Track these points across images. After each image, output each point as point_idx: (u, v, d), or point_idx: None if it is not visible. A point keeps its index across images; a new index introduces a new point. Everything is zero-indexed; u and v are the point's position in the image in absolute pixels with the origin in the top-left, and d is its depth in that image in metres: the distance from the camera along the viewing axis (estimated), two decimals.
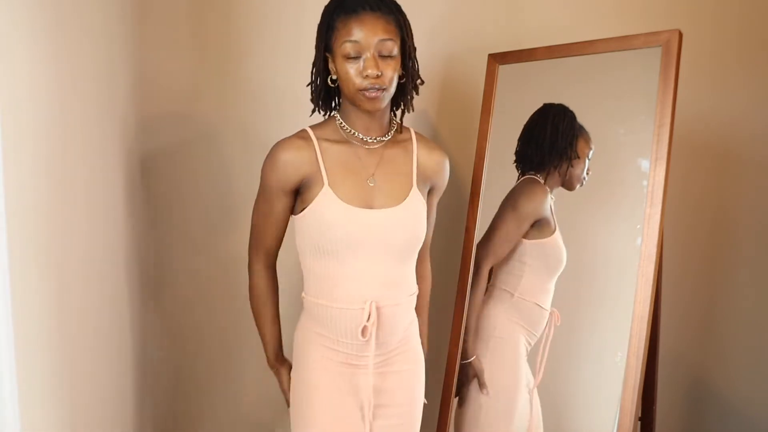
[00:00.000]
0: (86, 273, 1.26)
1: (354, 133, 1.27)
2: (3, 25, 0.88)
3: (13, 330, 0.89)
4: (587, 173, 1.56)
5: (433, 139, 1.91)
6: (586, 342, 1.62)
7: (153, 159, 1.71)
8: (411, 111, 1.31)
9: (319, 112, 1.31)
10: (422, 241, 1.31)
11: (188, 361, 1.83)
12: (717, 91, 1.91)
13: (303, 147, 1.24)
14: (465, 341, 1.64)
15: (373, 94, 1.18)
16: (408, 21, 1.23)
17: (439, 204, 1.45)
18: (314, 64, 1.26)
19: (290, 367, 1.38)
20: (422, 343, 1.40)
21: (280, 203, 1.27)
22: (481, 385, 1.63)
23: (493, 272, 1.67)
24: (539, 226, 1.58)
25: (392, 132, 1.30)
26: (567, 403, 1.64)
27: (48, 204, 1.04)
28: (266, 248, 1.34)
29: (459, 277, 1.67)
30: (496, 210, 1.64)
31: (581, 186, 1.57)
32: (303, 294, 1.32)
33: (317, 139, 1.25)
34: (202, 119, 1.74)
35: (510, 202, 1.61)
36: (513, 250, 1.62)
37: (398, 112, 1.32)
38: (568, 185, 1.58)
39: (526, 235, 1.59)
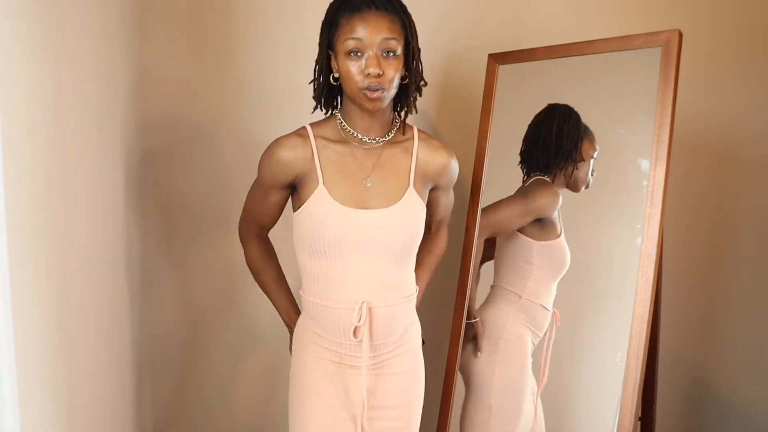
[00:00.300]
0: (86, 273, 1.26)
1: (353, 133, 1.26)
2: (3, 26, 0.88)
3: (13, 330, 0.89)
4: (592, 174, 1.56)
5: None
6: (586, 342, 1.62)
7: (153, 159, 1.71)
8: (414, 112, 1.31)
9: (321, 110, 1.31)
10: (419, 242, 1.31)
11: (187, 361, 1.83)
12: (717, 91, 1.91)
13: (299, 145, 1.24)
14: (469, 304, 1.64)
15: (375, 95, 1.17)
16: (413, 22, 1.23)
17: (442, 225, 1.47)
18: (317, 62, 1.26)
19: None
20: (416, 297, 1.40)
21: (275, 196, 1.29)
22: (477, 349, 1.63)
23: (497, 272, 1.67)
24: (545, 228, 1.58)
25: (393, 132, 1.30)
26: (567, 403, 1.64)
27: (48, 204, 1.04)
28: (258, 226, 1.37)
29: (459, 277, 1.67)
30: None
31: (586, 188, 1.57)
32: (301, 292, 1.33)
33: (315, 137, 1.25)
34: (202, 119, 1.74)
35: (524, 191, 1.62)
36: (520, 252, 1.62)
37: (401, 114, 1.31)
38: (573, 187, 1.58)
39: (534, 237, 1.58)
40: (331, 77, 1.24)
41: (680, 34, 1.37)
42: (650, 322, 1.36)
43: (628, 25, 1.62)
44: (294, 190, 1.29)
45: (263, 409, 1.89)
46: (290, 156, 1.23)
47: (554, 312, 1.59)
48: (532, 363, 1.62)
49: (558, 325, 1.58)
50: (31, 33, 0.99)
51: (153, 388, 1.79)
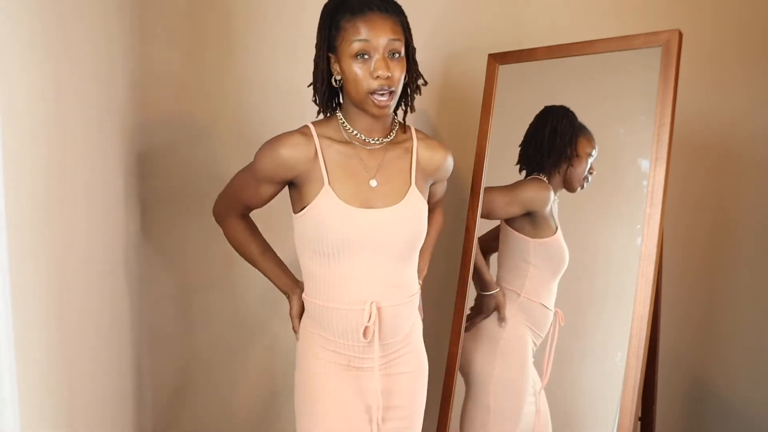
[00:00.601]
0: (86, 273, 1.26)
1: (356, 134, 1.26)
2: (3, 26, 0.88)
3: (13, 330, 0.88)
4: (590, 173, 1.56)
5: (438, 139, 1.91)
6: (586, 342, 1.62)
7: (153, 159, 1.71)
8: (412, 111, 1.31)
9: (324, 114, 1.30)
10: (422, 240, 1.31)
11: (187, 361, 1.83)
12: (717, 91, 1.91)
13: (302, 144, 1.23)
14: (482, 277, 1.64)
15: (383, 101, 1.17)
16: (408, 22, 1.23)
17: (438, 204, 1.46)
18: (317, 65, 1.25)
19: (302, 290, 1.35)
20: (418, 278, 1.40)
21: (268, 189, 1.28)
22: (501, 319, 1.62)
23: (498, 271, 1.67)
24: (538, 224, 1.58)
25: (394, 132, 1.30)
26: (567, 403, 1.64)
27: (48, 204, 1.04)
28: (243, 207, 1.35)
29: (459, 277, 1.67)
30: None
31: (582, 189, 1.57)
32: (303, 296, 1.32)
33: (319, 136, 1.25)
34: (202, 119, 1.74)
35: (514, 183, 1.63)
36: (517, 250, 1.62)
37: (400, 113, 1.32)
38: (569, 186, 1.58)
39: (528, 234, 1.59)
40: (332, 80, 1.24)
41: (680, 34, 1.37)
42: (650, 322, 1.36)
43: (628, 25, 1.62)
44: (291, 187, 1.28)
45: (263, 408, 1.89)
46: (292, 155, 1.22)
47: (557, 312, 1.59)
48: (534, 363, 1.62)
49: (561, 325, 1.58)
50: (32, 33, 0.99)
51: (153, 388, 1.78)
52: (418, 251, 1.32)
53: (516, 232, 1.62)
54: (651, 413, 1.69)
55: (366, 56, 1.16)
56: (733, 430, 2.02)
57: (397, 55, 1.17)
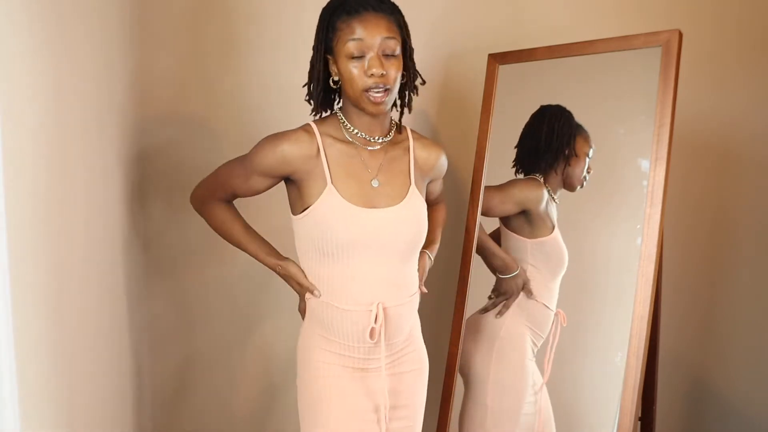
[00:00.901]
0: (86, 273, 1.26)
1: (357, 133, 1.26)
2: (3, 27, 0.88)
3: (12, 330, 0.89)
4: (588, 172, 1.56)
5: (433, 138, 1.91)
6: (586, 342, 1.62)
7: (152, 159, 1.71)
8: (410, 111, 1.31)
9: (318, 114, 1.30)
10: (423, 240, 1.31)
11: (187, 361, 1.83)
12: (717, 91, 1.91)
13: (306, 141, 1.23)
14: (503, 261, 1.63)
15: (379, 97, 1.18)
16: (406, 22, 1.24)
17: (439, 199, 1.48)
18: (313, 66, 1.25)
19: (291, 260, 1.33)
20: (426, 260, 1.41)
21: (261, 183, 1.27)
22: (530, 292, 1.61)
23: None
24: (534, 224, 1.59)
25: (393, 132, 1.31)
26: (567, 403, 1.64)
27: (47, 204, 1.04)
28: (230, 195, 1.34)
29: (459, 277, 1.67)
30: None
31: (581, 187, 1.57)
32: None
33: (321, 134, 1.25)
34: (202, 120, 1.74)
35: (509, 181, 1.64)
36: (515, 250, 1.62)
37: (395, 114, 1.32)
38: (568, 185, 1.58)
39: (524, 234, 1.59)
40: (330, 80, 1.25)
41: (680, 34, 1.37)
42: (650, 322, 1.36)
43: (628, 25, 1.62)
44: (290, 187, 1.28)
45: (263, 408, 1.89)
46: (294, 151, 1.22)
47: (558, 312, 1.59)
48: (536, 362, 1.62)
49: (564, 325, 1.58)
50: (31, 33, 0.99)
51: (153, 388, 1.78)
52: (419, 251, 1.33)
53: (513, 234, 1.62)
54: (651, 413, 1.69)
55: (361, 55, 1.17)
56: (733, 430, 2.02)
57: (392, 53, 1.18)
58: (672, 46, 1.37)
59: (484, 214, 1.65)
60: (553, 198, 1.59)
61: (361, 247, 1.22)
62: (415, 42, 1.27)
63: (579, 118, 1.56)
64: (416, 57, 1.28)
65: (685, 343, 1.99)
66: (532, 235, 1.59)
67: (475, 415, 1.64)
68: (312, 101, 1.28)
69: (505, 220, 1.65)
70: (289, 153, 1.22)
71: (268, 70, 1.75)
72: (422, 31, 1.28)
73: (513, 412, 1.60)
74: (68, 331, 1.14)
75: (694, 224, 1.96)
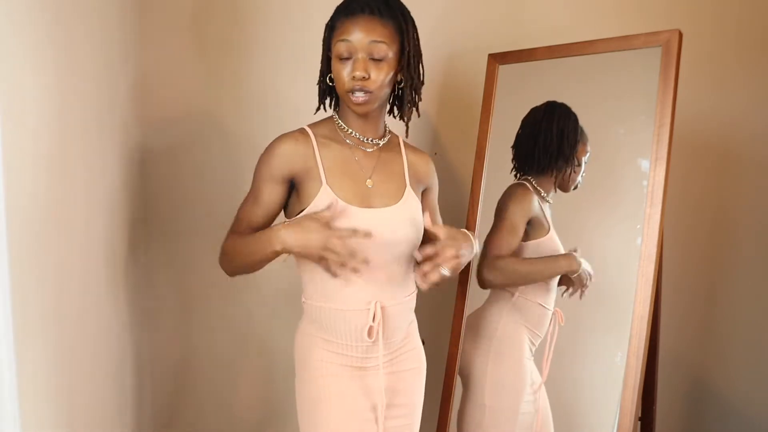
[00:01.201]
0: (86, 273, 1.26)
1: (351, 133, 1.28)
2: (3, 27, 0.88)
3: (13, 330, 0.89)
4: (582, 175, 1.57)
5: (433, 139, 1.91)
6: (586, 342, 1.62)
7: (152, 160, 1.71)
8: (411, 118, 1.31)
9: (325, 110, 1.32)
10: (419, 240, 1.31)
11: (187, 361, 1.83)
12: (717, 91, 1.91)
13: (301, 141, 1.24)
14: (560, 269, 1.57)
15: (360, 99, 1.19)
16: (413, 28, 1.24)
17: (439, 203, 1.46)
18: (321, 63, 1.29)
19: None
20: None
21: (271, 193, 1.23)
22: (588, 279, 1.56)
23: None
24: (533, 227, 1.59)
25: (387, 136, 1.33)
26: (567, 403, 1.64)
27: (48, 204, 1.04)
28: (249, 232, 1.27)
29: (459, 277, 1.67)
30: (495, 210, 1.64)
31: (575, 189, 1.57)
32: (303, 299, 1.32)
33: (315, 136, 1.26)
34: (202, 120, 1.74)
35: (499, 211, 1.60)
36: (514, 253, 1.62)
37: (404, 119, 1.31)
38: (564, 187, 1.58)
39: (522, 237, 1.59)
40: (328, 78, 1.27)
41: (680, 34, 1.37)
42: (650, 322, 1.36)
43: (628, 25, 1.62)
44: (292, 192, 1.28)
45: (263, 408, 1.89)
46: (291, 149, 1.23)
47: (557, 311, 1.59)
48: (534, 362, 1.61)
49: (561, 325, 1.58)
50: (32, 34, 0.99)
51: (153, 388, 1.79)
52: (416, 250, 1.32)
53: None
54: (651, 413, 1.69)
55: (348, 56, 1.19)
56: (733, 430, 2.02)
57: (381, 58, 1.18)
58: (672, 46, 1.37)
59: (509, 252, 1.57)
60: (544, 198, 1.59)
61: (358, 246, 1.21)
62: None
63: (579, 118, 1.56)
64: (420, 64, 1.28)
65: (685, 343, 1.99)
66: (528, 237, 1.59)
67: (474, 414, 1.64)
68: (319, 99, 1.31)
69: None
70: (287, 151, 1.23)
71: (268, 69, 1.75)
72: (422, 31, 1.28)
73: (511, 412, 1.60)
74: (68, 331, 1.14)
75: (694, 224, 1.96)
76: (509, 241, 1.56)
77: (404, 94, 1.28)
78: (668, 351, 1.85)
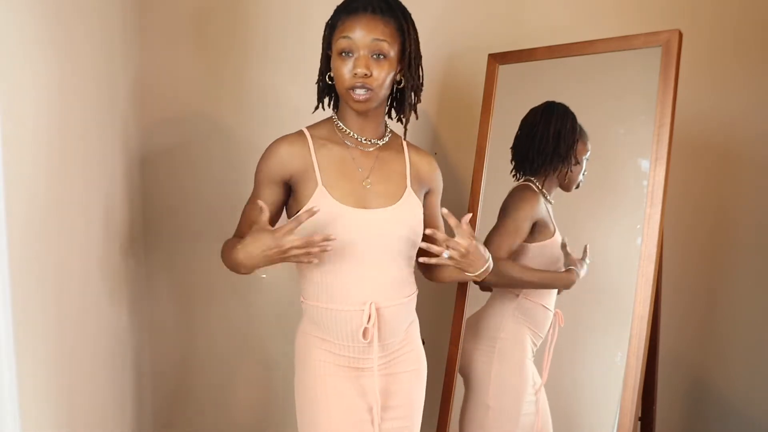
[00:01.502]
0: (86, 273, 1.26)
1: (350, 133, 1.28)
2: (4, 27, 0.88)
3: (13, 330, 0.89)
4: (583, 174, 1.57)
5: (433, 139, 1.91)
6: (586, 342, 1.62)
7: (152, 161, 1.71)
8: (406, 120, 1.31)
9: (323, 109, 1.32)
10: (419, 241, 1.31)
11: (186, 361, 1.83)
12: (717, 91, 1.91)
13: (297, 142, 1.25)
14: (559, 283, 1.57)
15: (360, 96, 1.19)
16: (414, 29, 1.24)
17: (436, 216, 1.45)
18: (320, 62, 1.29)
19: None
20: None
21: (270, 195, 1.25)
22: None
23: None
24: (538, 229, 1.58)
25: (387, 137, 1.32)
26: (567, 403, 1.64)
27: (48, 204, 1.04)
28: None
29: None
30: (496, 210, 1.63)
31: (577, 188, 1.57)
32: (301, 299, 1.32)
33: (312, 137, 1.26)
34: (202, 121, 1.74)
35: (504, 210, 1.60)
36: (515, 253, 1.62)
37: (402, 120, 1.32)
38: (566, 187, 1.58)
39: (527, 239, 1.58)
40: (327, 77, 1.26)
41: (680, 34, 1.37)
42: (650, 322, 1.36)
43: (628, 25, 1.62)
44: (290, 194, 1.28)
45: (262, 408, 1.89)
46: (288, 150, 1.23)
47: (557, 312, 1.59)
48: (535, 363, 1.61)
49: (561, 326, 1.58)
50: (33, 35, 0.99)
51: (153, 388, 1.79)
52: (415, 251, 1.32)
53: None
54: (651, 413, 1.69)
55: (350, 54, 1.19)
56: (733, 430, 2.02)
57: (382, 56, 1.19)
58: (672, 46, 1.37)
59: (508, 254, 1.56)
60: (548, 199, 1.59)
61: (352, 247, 1.21)
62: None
63: (579, 118, 1.56)
64: (420, 65, 1.28)
65: (685, 343, 1.99)
66: (533, 239, 1.58)
67: (476, 415, 1.64)
68: (318, 97, 1.31)
69: None
70: (285, 152, 1.23)
71: (268, 70, 1.75)
72: (422, 31, 1.28)
73: (514, 412, 1.60)
74: (68, 331, 1.14)
75: (694, 224, 1.96)
76: (510, 242, 1.56)
77: (403, 96, 1.28)
78: (668, 351, 1.85)
